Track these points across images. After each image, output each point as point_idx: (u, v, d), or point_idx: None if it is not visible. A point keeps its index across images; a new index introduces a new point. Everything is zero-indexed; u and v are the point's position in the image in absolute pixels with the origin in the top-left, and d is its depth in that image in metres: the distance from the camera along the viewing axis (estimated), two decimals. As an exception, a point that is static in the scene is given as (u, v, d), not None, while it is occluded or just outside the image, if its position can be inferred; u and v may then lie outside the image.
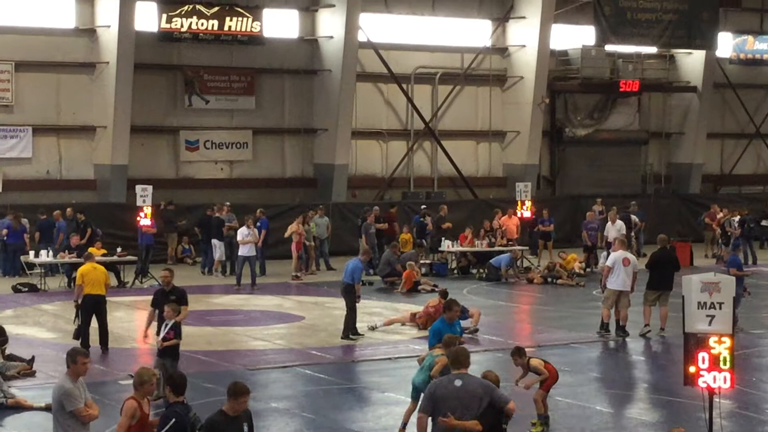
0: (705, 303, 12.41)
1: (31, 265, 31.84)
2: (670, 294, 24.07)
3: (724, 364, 12.32)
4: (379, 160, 42.62)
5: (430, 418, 11.31)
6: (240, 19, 38.61)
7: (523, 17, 43.28)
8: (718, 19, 47.14)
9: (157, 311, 18.73)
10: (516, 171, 43.56)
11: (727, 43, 49.29)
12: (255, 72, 39.94)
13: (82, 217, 33.30)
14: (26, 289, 30.25)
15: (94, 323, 21.78)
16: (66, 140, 37.43)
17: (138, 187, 32.83)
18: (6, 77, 36.15)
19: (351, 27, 39.54)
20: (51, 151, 37.22)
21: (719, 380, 12.35)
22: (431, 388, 11.45)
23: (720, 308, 12.40)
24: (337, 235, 36.90)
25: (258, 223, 32.58)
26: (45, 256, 31.01)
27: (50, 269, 32.00)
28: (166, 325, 17.60)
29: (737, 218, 39.19)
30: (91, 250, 27.70)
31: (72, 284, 28.77)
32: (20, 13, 36.28)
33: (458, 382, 11.24)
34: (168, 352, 17.44)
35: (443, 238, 35.51)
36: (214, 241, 33.90)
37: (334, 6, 39.58)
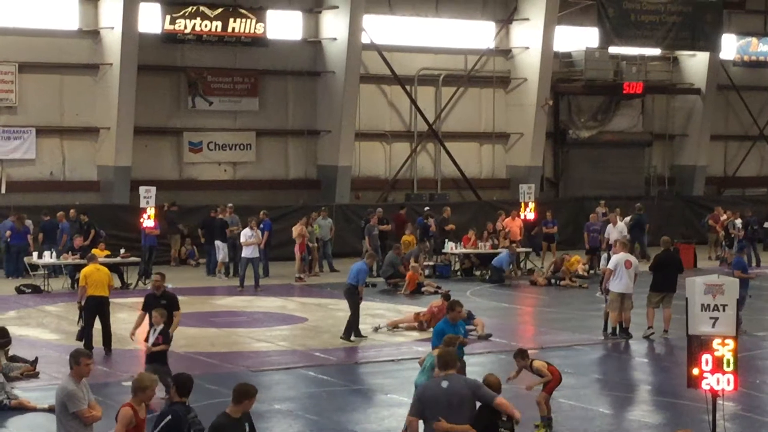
0: (708, 305, 12.40)
1: (35, 267, 31.84)
2: (673, 296, 24.04)
3: (728, 366, 12.30)
4: (383, 162, 42.62)
5: (421, 421, 11.31)
6: (243, 20, 38.63)
7: (527, 19, 43.28)
8: (721, 21, 47.09)
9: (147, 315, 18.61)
10: (519, 173, 43.55)
11: (730, 45, 49.28)
12: (258, 73, 39.95)
13: (86, 219, 33.32)
14: (29, 290, 30.25)
15: (97, 324, 21.78)
16: (69, 141, 37.44)
17: (141, 189, 32.85)
18: (10, 78, 36.18)
19: (354, 29, 39.55)
20: (54, 153, 37.24)
21: (723, 382, 12.34)
22: (419, 390, 11.48)
23: (723, 310, 12.39)
24: (340, 236, 36.87)
25: (261, 225, 32.58)
26: (48, 258, 31.02)
27: (53, 270, 31.99)
28: (155, 330, 17.52)
29: (738, 220, 39.16)
30: (94, 251, 27.67)
31: (75, 285, 28.82)
32: (24, 15, 36.31)
33: (445, 384, 11.24)
34: (156, 358, 17.40)
35: (446, 240, 35.50)
36: (218, 243, 33.90)
37: (337, 8, 39.59)
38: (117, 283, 29.59)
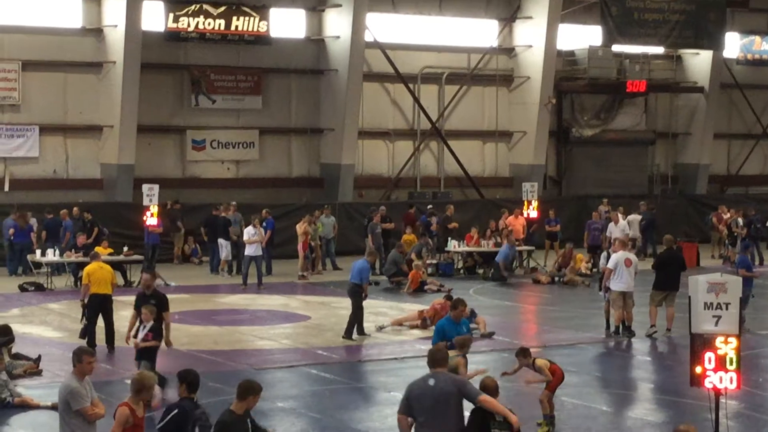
0: (711, 303, 12.39)
1: (38, 264, 31.87)
2: (676, 294, 24.03)
3: (731, 364, 12.29)
4: (386, 160, 42.63)
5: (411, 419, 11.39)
6: (247, 18, 38.63)
7: (530, 17, 43.27)
8: (725, 20, 47.06)
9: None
10: (522, 171, 43.55)
11: (734, 44, 49.25)
12: (262, 72, 39.96)
13: (89, 217, 33.35)
14: (33, 288, 30.28)
15: (100, 322, 21.80)
16: (73, 139, 37.47)
17: (144, 187, 32.88)
18: (13, 77, 36.20)
19: (358, 27, 39.55)
20: (58, 151, 37.27)
21: (725, 381, 12.32)
22: (407, 388, 11.52)
23: (726, 309, 12.38)
24: (343, 234, 36.89)
25: (264, 223, 32.60)
26: (51, 255, 31.04)
27: (57, 268, 32.03)
28: (144, 327, 17.51)
29: (740, 219, 39.12)
30: (97, 249, 27.69)
31: (78, 283, 28.80)
32: (27, 13, 36.33)
33: (432, 381, 11.30)
34: (145, 355, 17.37)
35: (449, 238, 35.50)
36: (221, 241, 33.91)
37: (340, 6, 39.58)
38: (120, 281, 29.60)
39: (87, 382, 11.86)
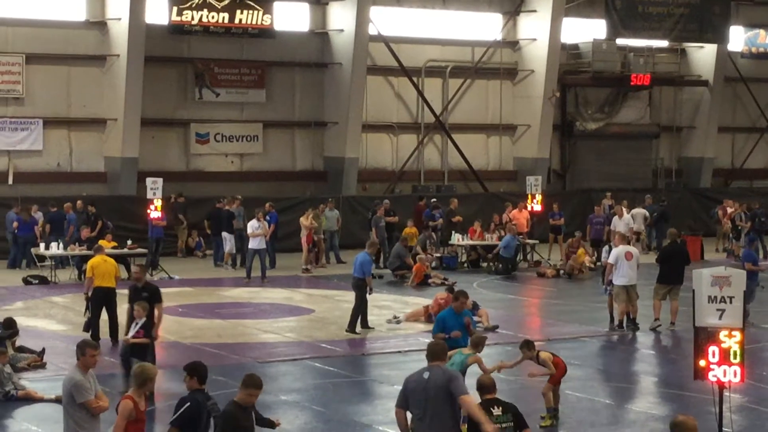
0: (715, 297, 12.39)
1: (42, 258, 31.89)
2: (680, 288, 24.03)
3: (735, 358, 12.29)
4: (390, 154, 42.61)
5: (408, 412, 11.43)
6: (251, 12, 38.61)
7: (534, 11, 43.23)
8: (729, 13, 47.03)
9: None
10: (526, 165, 43.53)
11: (738, 37, 49.20)
12: (265, 65, 39.95)
13: (93, 210, 33.37)
14: (37, 281, 30.31)
15: (104, 315, 21.82)
16: (76, 133, 37.48)
17: (148, 180, 32.86)
18: (17, 70, 36.20)
19: (362, 20, 39.51)
20: (61, 144, 37.28)
21: (729, 374, 12.33)
22: (404, 381, 11.56)
23: (730, 302, 12.38)
24: (347, 228, 36.90)
25: (267, 217, 32.61)
26: (55, 249, 31.06)
27: (60, 261, 32.06)
28: (136, 323, 17.30)
29: (742, 212, 39.07)
30: (101, 242, 27.73)
31: (82, 277, 28.86)
32: (31, 6, 36.32)
33: (426, 375, 11.35)
34: (136, 352, 17.12)
35: (453, 232, 35.49)
36: (224, 234, 33.93)
37: (344, -1, 39.63)
38: (124, 274, 29.61)
39: (91, 375, 11.87)
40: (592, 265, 34.11)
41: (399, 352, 21.75)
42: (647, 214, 38.66)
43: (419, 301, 26.85)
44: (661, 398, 18.66)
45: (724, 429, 12.85)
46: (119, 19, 36.39)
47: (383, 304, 27.00)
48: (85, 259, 27.48)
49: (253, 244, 31.13)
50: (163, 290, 28.38)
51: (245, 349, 21.88)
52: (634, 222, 36.28)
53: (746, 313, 13.59)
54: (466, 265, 35.29)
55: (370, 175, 41.77)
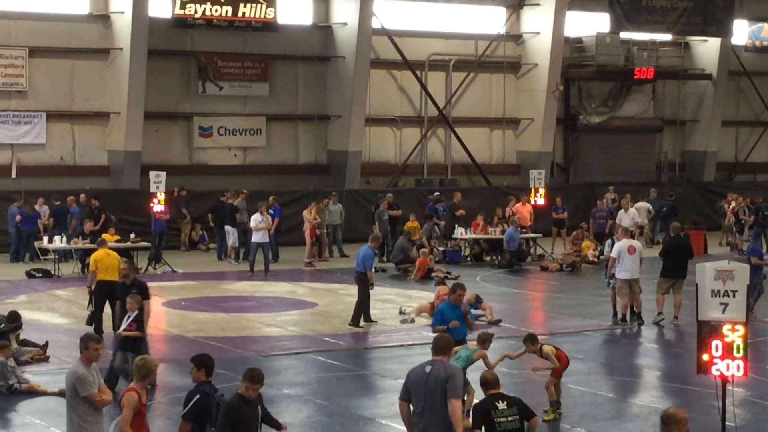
0: (719, 291, 12.37)
1: (45, 251, 31.90)
2: (683, 282, 24.01)
3: (738, 352, 12.27)
4: (393, 147, 42.60)
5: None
6: (254, 5, 38.58)
7: (538, 4, 43.18)
8: (733, 6, 46.97)
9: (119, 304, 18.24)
10: (530, 158, 43.51)
11: (742, 31, 49.11)
12: (269, 58, 39.93)
13: (96, 203, 33.39)
14: (40, 274, 30.33)
15: (107, 309, 21.80)
16: (80, 126, 37.48)
17: (151, 174, 32.83)
18: (20, 63, 36.20)
19: (365, 14, 39.49)
20: (65, 137, 37.28)
21: (732, 368, 12.30)
22: (407, 374, 11.57)
23: (734, 296, 12.36)
24: (350, 221, 36.87)
25: (271, 210, 32.61)
26: (59, 242, 31.06)
27: (64, 255, 32.06)
28: (129, 317, 17.12)
29: (745, 206, 39.04)
30: (104, 236, 27.66)
31: (85, 270, 28.90)
32: (34, -1, 36.38)
33: (428, 368, 11.36)
34: (130, 345, 16.98)
35: (456, 226, 35.49)
36: (227, 228, 33.93)
37: (347, -8, 39.59)
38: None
39: (94, 369, 11.87)
40: (596, 259, 34.10)
41: (402, 345, 21.75)
42: (650, 207, 38.66)
43: (422, 295, 26.84)
44: (664, 392, 18.65)
45: (727, 423, 12.83)
46: (122, 12, 36.37)
47: (386, 298, 26.99)
48: (88, 252, 27.52)
49: (256, 237, 31.14)
50: (166, 284, 28.63)
51: (248, 343, 21.89)
52: (638, 216, 36.25)
53: (750, 306, 13.62)
54: (469, 258, 35.28)
55: (373, 168, 41.75)
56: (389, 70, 42.12)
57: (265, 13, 38.82)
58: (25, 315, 22.25)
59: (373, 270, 24.31)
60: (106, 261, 21.73)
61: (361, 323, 23.56)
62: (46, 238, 31.64)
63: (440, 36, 42.89)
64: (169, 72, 38.53)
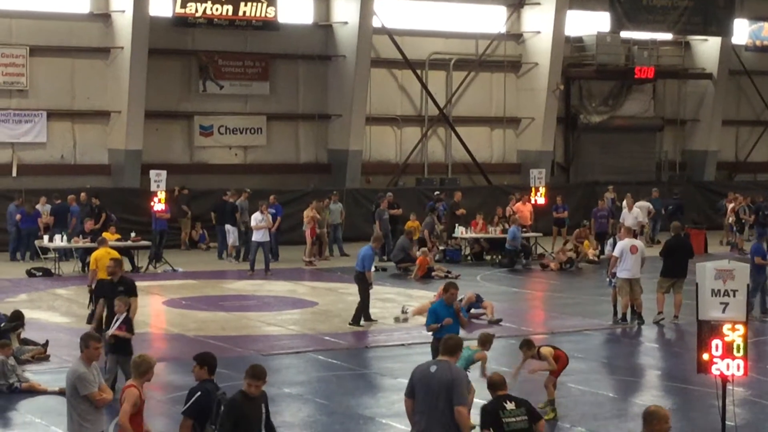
0: (719, 290, 12.37)
1: (45, 250, 31.91)
2: (684, 281, 24.00)
3: (738, 351, 12.28)
4: (393, 146, 42.61)
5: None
6: (254, 4, 38.59)
7: (538, 3, 43.18)
8: (734, 6, 46.97)
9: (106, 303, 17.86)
10: (530, 157, 43.51)
11: (743, 30, 49.12)
12: (269, 57, 39.93)
13: (97, 202, 33.41)
14: (40, 273, 30.34)
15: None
16: (80, 125, 37.50)
17: (152, 172, 32.84)
18: (21, 62, 36.22)
19: (365, 13, 39.49)
20: (65, 136, 37.30)
21: (732, 368, 12.31)
22: (413, 371, 11.60)
23: (734, 295, 12.36)
24: (350, 220, 36.88)
25: (272, 209, 32.64)
26: (59, 241, 31.07)
27: (64, 254, 32.06)
28: (117, 319, 16.79)
29: (746, 206, 39.05)
30: (105, 235, 27.71)
31: (86, 269, 28.90)
32: (35, -2, 36.39)
33: (433, 368, 11.38)
34: (120, 348, 16.63)
35: (457, 225, 35.49)
36: (228, 227, 33.94)
37: (348, -9, 39.59)
38: (127, 266, 29.67)
39: (94, 368, 11.89)
40: (596, 258, 34.12)
41: (402, 344, 21.74)
42: (651, 207, 38.65)
43: (423, 294, 26.84)
44: (664, 392, 18.65)
45: (727, 422, 12.84)
46: (123, 11, 36.38)
47: (387, 297, 26.99)
48: (88, 251, 27.53)
49: (256, 236, 31.15)
50: (167, 283, 28.63)
51: (249, 342, 21.89)
52: (640, 215, 36.26)
53: (750, 306, 13.61)
54: (469, 257, 35.28)
55: (373, 167, 41.76)
56: (390, 69, 42.12)
57: (266, 12, 38.83)
58: (26, 314, 22.22)
59: (372, 270, 24.27)
60: (107, 260, 21.68)
61: (362, 322, 23.56)
62: (46, 237, 31.65)
63: (441, 35, 42.89)
64: (169, 71, 38.54)
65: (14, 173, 36.30)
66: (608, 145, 46.28)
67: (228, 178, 38.26)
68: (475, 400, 14.03)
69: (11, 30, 36.20)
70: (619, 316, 24.13)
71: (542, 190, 37.81)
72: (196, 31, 38.61)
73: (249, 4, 38.54)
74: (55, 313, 24.72)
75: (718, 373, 12.38)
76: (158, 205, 32.46)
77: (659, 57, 46.79)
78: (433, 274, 30.99)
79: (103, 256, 21.73)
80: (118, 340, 16.68)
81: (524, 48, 44.21)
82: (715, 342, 12.30)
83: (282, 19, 39.36)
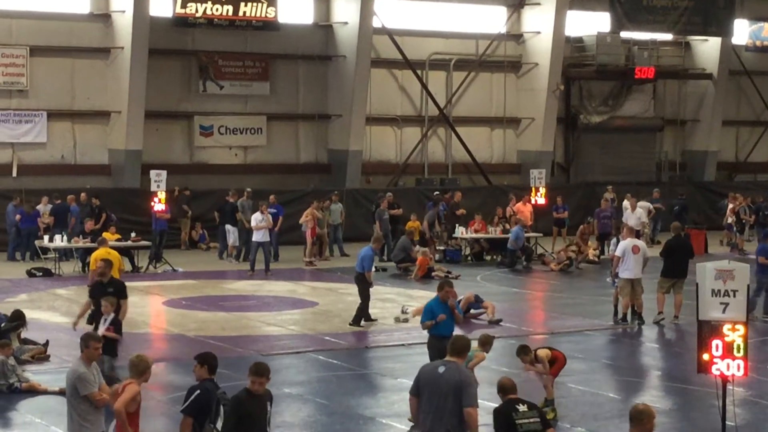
0: (719, 290, 12.37)
1: (45, 250, 31.91)
2: (684, 281, 24.00)
3: (738, 351, 12.28)
4: (393, 146, 42.60)
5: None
6: (255, 4, 38.59)
7: (538, 3, 43.18)
8: (734, 6, 46.96)
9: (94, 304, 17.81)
10: (530, 158, 43.51)
11: (743, 30, 49.11)
12: (269, 57, 39.93)
13: (97, 202, 33.41)
14: (40, 273, 30.34)
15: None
16: (80, 125, 37.49)
17: (152, 173, 32.85)
18: (21, 62, 36.21)
19: (366, 13, 39.49)
20: (65, 136, 37.29)
21: (733, 368, 12.31)
22: (420, 370, 11.61)
23: (734, 296, 12.36)
24: (350, 221, 36.88)
25: (273, 209, 32.64)
26: (59, 241, 31.07)
27: (64, 254, 32.06)
28: (105, 320, 16.61)
29: (746, 206, 39.04)
30: (105, 235, 27.73)
31: (86, 269, 28.90)
32: (35, -2, 36.39)
33: (441, 369, 11.37)
34: (106, 348, 15.94)
35: (457, 225, 35.49)
36: (228, 227, 33.95)
37: (348, -9, 39.58)
38: (128, 266, 29.70)
39: (94, 368, 11.89)
40: (596, 258, 34.12)
41: (402, 344, 21.74)
42: (651, 207, 38.64)
43: (423, 294, 26.81)
44: (664, 392, 18.65)
45: (727, 423, 12.84)
46: (123, 11, 36.37)
47: (387, 297, 26.99)
48: (88, 251, 27.53)
49: (256, 236, 31.15)
50: (167, 283, 28.64)
51: (249, 342, 21.89)
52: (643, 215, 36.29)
53: (751, 306, 13.61)
54: (469, 258, 35.28)
55: (373, 167, 41.76)
56: (390, 69, 42.12)
57: (266, 12, 38.83)
58: (26, 314, 22.24)
59: (372, 271, 24.24)
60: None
61: (362, 322, 23.56)
62: (46, 237, 31.65)
63: (441, 35, 42.89)
64: (169, 71, 38.54)
65: (14, 173, 36.29)
66: (608, 145, 46.29)
67: (228, 178, 38.25)
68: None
69: (11, 30, 36.20)
70: (620, 316, 24.13)
71: (542, 190, 37.81)
72: (196, 31, 38.61)
73: (249, 4, 38.54)
74: (56, 313, 24.71)
75: (718, 373, 12.39)
76: (158, 205, 32.47)
77: (659, 57, 46.79)
78: (434, 274, 30.98)
79: (103, 256, 21.72)
80: (106, 341, 16.56)
81: (524, 48, 44.21)
82: (716, 342, 12.30)
83: (282, 19, 39.37)
